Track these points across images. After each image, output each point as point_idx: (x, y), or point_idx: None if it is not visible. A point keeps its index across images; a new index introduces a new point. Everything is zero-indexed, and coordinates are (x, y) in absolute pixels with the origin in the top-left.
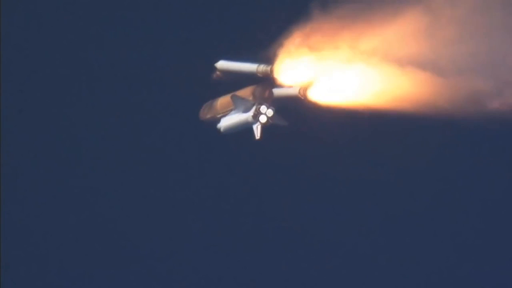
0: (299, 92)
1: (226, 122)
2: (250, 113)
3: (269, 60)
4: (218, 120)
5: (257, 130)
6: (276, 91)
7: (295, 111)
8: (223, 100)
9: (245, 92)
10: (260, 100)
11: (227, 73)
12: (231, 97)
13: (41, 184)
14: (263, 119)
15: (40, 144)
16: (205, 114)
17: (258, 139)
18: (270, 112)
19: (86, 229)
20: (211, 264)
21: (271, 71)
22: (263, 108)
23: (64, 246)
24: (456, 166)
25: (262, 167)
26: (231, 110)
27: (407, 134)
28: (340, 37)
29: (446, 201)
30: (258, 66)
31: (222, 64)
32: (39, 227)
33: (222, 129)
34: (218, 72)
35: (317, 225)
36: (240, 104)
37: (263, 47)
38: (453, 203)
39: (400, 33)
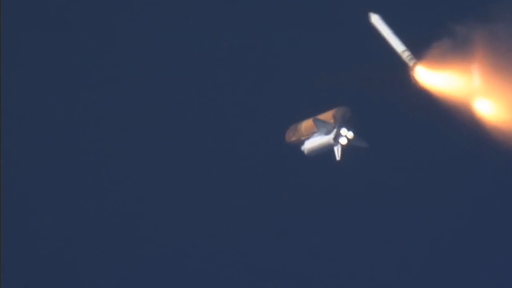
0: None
1: (309, 145)
2: (331, 136)
3: (415, 56)
4: (303, 142)
5: (338, 152)
6: None
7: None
8: (307, 124)
9: (327, 116)
10: (341, 122)
11: (377, 30)
12: (313, 120)
13: (49, 184)
14: (343, 141)
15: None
16: (290, 136)
17: (339, 160)
18: (350, 134)
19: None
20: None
21: (412, 67)
22: (343, 131)
23: (64, 246)
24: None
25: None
26: (314, 133)
27: None
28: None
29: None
30: (404, 51)
31: (376, 19)
32: (39, 227)
33: (306, 151)
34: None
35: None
36: (322, 127)
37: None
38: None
39: None
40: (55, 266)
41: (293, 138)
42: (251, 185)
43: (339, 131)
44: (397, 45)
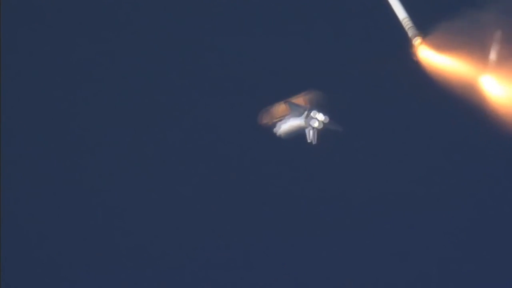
0: None
1: (282, 127)
2: (304, 118)
3: (420, 31)
4: (276, 125)
5: (310, 134)
6: None
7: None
8: (280, 106)
9: (300, 99)
10: (313, 105)
11: None
12: (286, 103)
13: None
14: (315, 123)
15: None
16: (264, 119)
17: (311, 142)
18: (322, 117)
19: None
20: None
21: (413, 37)
22: (315, 113)
23: (64, 247)
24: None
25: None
26: (287, 116)
27: None
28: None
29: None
30: (406, 19)
31: None
32: (39, 227)
33: (279, 134)
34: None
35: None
36: (294, 110)
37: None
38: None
39: None
40: (55, 266)
41: (267, 121)
42: (225, 168)
43: (311, 114)
44: (399, 11)
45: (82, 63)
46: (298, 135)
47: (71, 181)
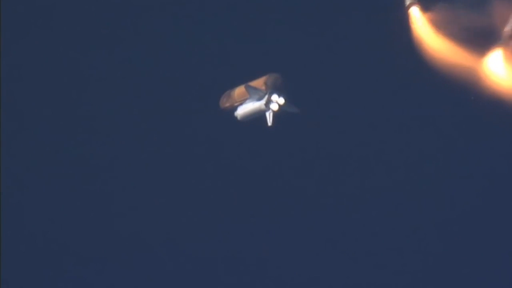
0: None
1: (242, 110)
2: (263, 102)
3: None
4: (236, 108)
5: (269, 117)
6: None
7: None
8: (240, 90)
9: (258, 82)
10: (272, 89)
11: None
12: (245, 87)
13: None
14: (274, 106)
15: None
16: (224, 103)
17: (270, 126)
18: (281, 100)
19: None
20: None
21: (409, 6)
22: (274, 97)
23: (63, 247)
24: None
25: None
26: (246, 99)
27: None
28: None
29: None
30: None
31: None
32: (39, 227)
33: (239, 117)
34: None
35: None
36: (254, 93)
37: None
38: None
39: None
40: (54, 266)
41: (227, 104)
42: (186, 150)
43: (271, 97)
44: None
45: (82, 63)
46: (257, 118)
47: (69, 181)
